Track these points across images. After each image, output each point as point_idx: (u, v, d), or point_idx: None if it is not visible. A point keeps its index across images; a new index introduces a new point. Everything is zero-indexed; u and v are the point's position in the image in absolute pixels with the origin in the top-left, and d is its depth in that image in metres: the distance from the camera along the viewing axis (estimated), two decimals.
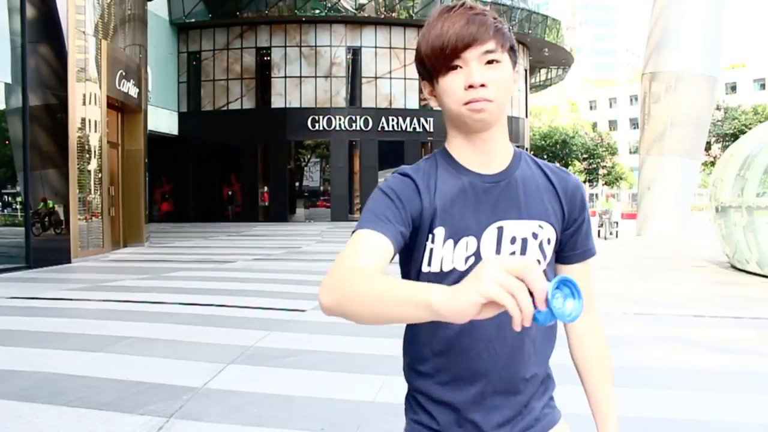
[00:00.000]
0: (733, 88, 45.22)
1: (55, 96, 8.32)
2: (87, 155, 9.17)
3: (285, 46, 20.49)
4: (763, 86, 44.74)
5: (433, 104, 0.90)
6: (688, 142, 13.88)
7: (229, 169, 20.96)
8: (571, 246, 0.93)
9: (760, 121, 25.14)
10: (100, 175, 9.56)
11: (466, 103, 0.82)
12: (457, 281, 0.59)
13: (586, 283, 0.95)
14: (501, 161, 0.89)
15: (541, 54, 25.91)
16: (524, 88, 25.30)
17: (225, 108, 20.77)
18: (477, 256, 0.85)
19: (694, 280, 7.55)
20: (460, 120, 0.85)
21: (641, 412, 2.68)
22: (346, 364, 3.47)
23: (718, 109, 30.75)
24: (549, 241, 0.89)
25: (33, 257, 7.82)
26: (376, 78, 20.66)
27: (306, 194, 22.29)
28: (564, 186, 0.92)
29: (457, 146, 0.89)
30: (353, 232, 0.80)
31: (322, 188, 22.27)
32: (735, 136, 26.96)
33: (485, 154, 0.88)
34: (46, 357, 3.58)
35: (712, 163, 28.12)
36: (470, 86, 0.81)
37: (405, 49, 20.45)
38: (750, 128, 21.05)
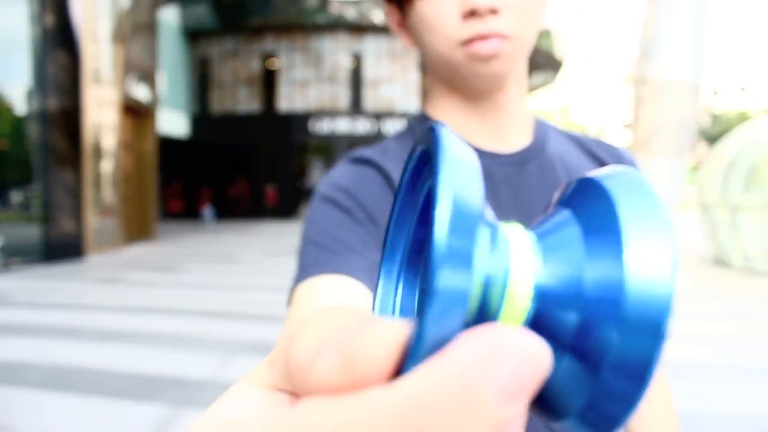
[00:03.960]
0: (717, 93, 45.15)
1: (70, 100, 8.33)
2: (101, 156, 9.18)
3: (290, 52, 20.49)
4: (743, 89, 44.68)
5: (405, 42, 0.55)
6: (674, 144, 13.89)
7: (237, 169, 20.98)
8: None
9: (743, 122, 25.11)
10: (113, 175, 9.56)
11: (466, 43, 0.48)
12: None
13: None
14: (520, 133, 0.53)
15: (532, 59, 25.89)
16: None
17: (233, 111, 20.78)
18: None
19: (680, 275, 7.54)
20: (452, 72, 0.50)
21: None
22: None
23: (706, 114, 30.76)
24: None
25: (49, 252, 7.84)
26: (377, 83, 20.66)
27: (310, 194, 22.34)
28: (619, 164, 0.54)
29: (449, 112, 0.53)
30: (291, 290, 0.45)
31: None
32: (722, 137, 26.95)
33: (497, 125, 0.52)
34: (61, 349, 3.58)
35: (700, 164, 28.11)
36: (472, 13, 0.47)
37: (405, 54, 20.43)
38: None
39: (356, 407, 0.10)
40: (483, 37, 0.47)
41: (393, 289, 0.17)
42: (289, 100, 20.44)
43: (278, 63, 20.57)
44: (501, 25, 0.47)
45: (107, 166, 9.38)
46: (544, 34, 24.59)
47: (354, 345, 0.10)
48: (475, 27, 0.47)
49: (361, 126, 20.23)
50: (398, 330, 0.10)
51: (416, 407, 0.09)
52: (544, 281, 0.13)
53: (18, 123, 8.27)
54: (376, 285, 0.17)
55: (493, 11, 0.47)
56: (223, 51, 20.77)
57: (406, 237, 0.17)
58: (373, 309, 0.17)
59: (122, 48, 9.91)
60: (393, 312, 0.17)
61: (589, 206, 0.13)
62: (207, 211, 17.03)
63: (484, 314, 0.12)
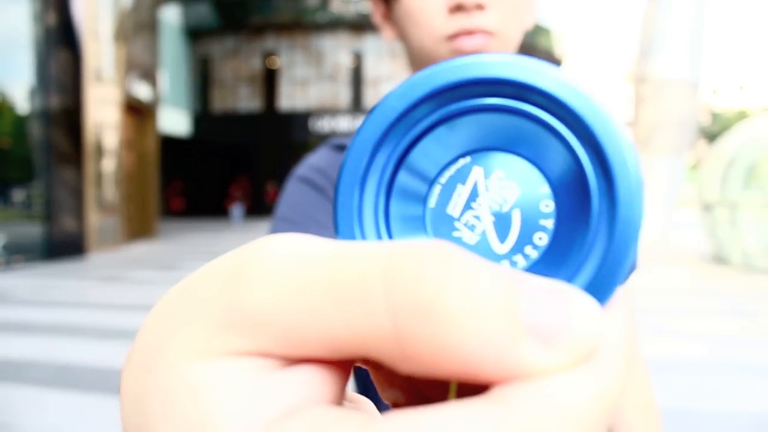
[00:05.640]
0: (716, 91, 45.13)
1: (72, 99, 8.33)
2: (102, 155, 9.19)
3: (291, 51, 20.49)
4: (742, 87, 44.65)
5: (387, 35, 0.55)
6: (674, 143, 13.89)
7: (238, 168, 20.98)
8: None
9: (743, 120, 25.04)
10: (114, 174, 9.57)
11: (450, 38, 0.47)
12: None
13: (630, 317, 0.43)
14: None
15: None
16: None
17: (234, 110, 20.79)
18: None
19: (679, 273, 7.54)
20: None
21: None
22: None
23: (705, 112, 30.75)
24: None
25: (51, 251, 7.84)
26: (378, 81, 20.65)
27: None
28: None
29: None
30: None
31: None
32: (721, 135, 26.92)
33: None
34: (63, 347, 3.58)
35: (700, 162, 28.07)
36: (458, 7, 0.46)
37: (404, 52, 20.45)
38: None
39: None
40: (468, 33, 0.46)
41: (372, 216, 0.16)
42: (289, 98, 20.42)
43: (279, 62, 20.55)
44: (487, 21, 0.46)
45: (109, 164, 9.38)
46: (544, 33, 24.55)
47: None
48: (461, 22, 0.46)
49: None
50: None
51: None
52: None
53: (20, 121, 8.26)
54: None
55: (480, 7, 0.46)
56: (224, 50, 20.75)
57: (384, 166, 0.16)
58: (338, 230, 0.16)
59: (124, 47, 9.91)
60: (378, 236, 0.16)
61: None
62: (236, 209, 16.75)
63: None
